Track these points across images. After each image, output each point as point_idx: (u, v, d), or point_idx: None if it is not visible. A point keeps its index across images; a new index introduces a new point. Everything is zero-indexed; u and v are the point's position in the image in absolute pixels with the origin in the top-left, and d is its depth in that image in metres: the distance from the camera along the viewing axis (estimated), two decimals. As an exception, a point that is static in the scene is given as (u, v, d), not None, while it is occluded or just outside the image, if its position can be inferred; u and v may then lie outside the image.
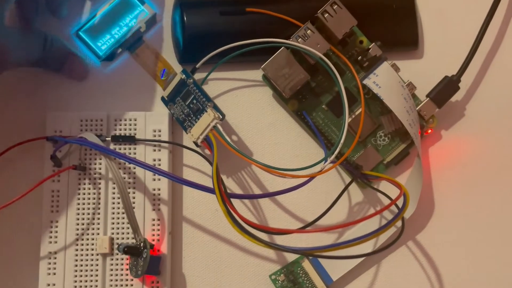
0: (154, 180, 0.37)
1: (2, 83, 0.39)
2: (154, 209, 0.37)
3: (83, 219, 0.37)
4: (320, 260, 0.37)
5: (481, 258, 0.38)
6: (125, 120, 0.38)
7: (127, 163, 0.37)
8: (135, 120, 0.38)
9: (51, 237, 0.36)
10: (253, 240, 0.32)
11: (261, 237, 0.32)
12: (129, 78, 0.39)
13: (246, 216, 0.33)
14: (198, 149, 0.38)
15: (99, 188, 0.37)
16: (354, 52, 0.39)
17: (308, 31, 0.37)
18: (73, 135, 0.37)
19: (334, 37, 0.37)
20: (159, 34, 0.40)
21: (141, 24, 0.38)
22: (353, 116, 0.38)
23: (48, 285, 0.36)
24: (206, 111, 0.36)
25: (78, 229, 0.37)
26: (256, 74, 0.40)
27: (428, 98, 0.38)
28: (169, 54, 0.40)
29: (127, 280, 0.36)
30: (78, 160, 0.37)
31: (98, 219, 0.37)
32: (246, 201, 0.39)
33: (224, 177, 0.39)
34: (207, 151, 0.38)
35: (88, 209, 0.37)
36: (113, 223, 0.37)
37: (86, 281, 0.36)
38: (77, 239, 0.36)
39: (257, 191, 0.39)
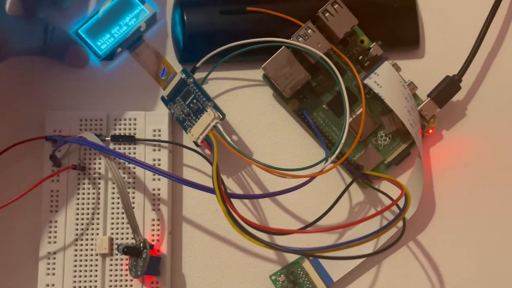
0: (154, 180, 0.37)
1: (2, 83, 0.39)
2: (154, 209, 0.37)
3: (83, 219, 0.37)
4: (321, 260, 0.37)
5: (482, 258, 0.38)
6: (125, 119, 0.38)
7: (126, 163, 0.37)
8: (135, 119, 0.38)
9: (50, 237, 0.36)
10: (253, 241, 0.32)
11: (262, 238, 0.32)
12: (129, 77, 0.39)
13: (246, 216, 0.33)
14: (198, 149, 0.38)
15: (99, 188, 0.37)
16: (355, 52, 0.39)
17: (309, 31, 0.37)
18: (73, 135, 0.37)
19: (335, 36, 0.37)
20: (159, 34, 0.40)
21: (141, 23, 0.38)
22: (354, 116, 0.38)
23: (47, 285, 0.36)
24: (206, 111, 0.36)
25: (77, 229, 0.36)
26: (257, 74, 0.40)
27: (429, 98, 0.38)
28: (169, 53, 0.40)
29: (126, 280, 0.36)
30: (78, 160, 0.37)
31: (98, 219, 0.37)
32: (247, 201, 0.38)
33: (224, 177, 0.39)
34: (207, 151, 0.38)
35: (88, 209, 0.37)
36: (112, 223, 0.36)
37: (85, 281, 0.36)
38: (76, 239, 0.36)
39: (257, 191, 0.39)
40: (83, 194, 0.37)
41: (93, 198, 0.37)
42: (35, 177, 0.36)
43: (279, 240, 0.38)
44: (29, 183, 0.35)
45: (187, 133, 0.37)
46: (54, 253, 0.36)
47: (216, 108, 0.37)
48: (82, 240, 0.36)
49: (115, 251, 0.36)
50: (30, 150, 0.37)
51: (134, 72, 0.39)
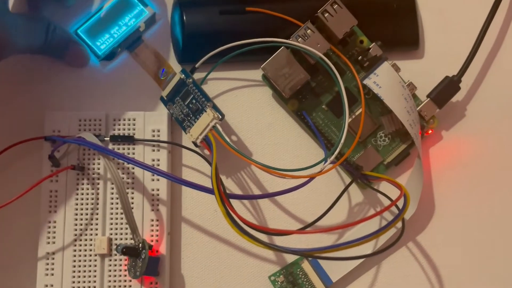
0: (153, 180, 0.37)
1: (1, 83, 0.39)
2: (153, 210, 0.37)
3: (81, 219, 0.36)
4: (320, 261, 0.37)
5: (481, 258, 0.38)
6: (124, 120, 0.38)
7: (125, 163, 0.37)
8: (134, 120, 0.38)
9: (49, 238, 0.36)
10: (252, 241, 0.32)
11: (261, 238, 0.32)
12: (128, 77, 0.39)
13: (245, 216, 0.33)
14: (197, 149, 0.38)
15: (98, 188, 0.37)
16: (355, 52, 0.39)
17: (308, 31, 0.37)
18: (72, 135, 0.37)
19: (334, 36, 0.37)
20: (158, 34, 0.40)
21: (140, 23, 0.38)
22: (353, 116, 0.38)
23: (46, 286, 0.36)
24: (206, 111, 0.36)
25: (76, 230, 0.36)
26: (256, 74, 0.40)
27: (428, 99, 0.38)
28: (168, 53, 0.39)
29: (125, 281, 0.36)
30: (77, 160, 0.37)
31: (97, 219, 0.36)
32: (246, 201, 0.38)
33: (223, 178, 0.39)
34: (207, 151, 0.38)
35: (87, 209, 0.37)
36: (111, 224, 0.36)
37: (84, 282, 0.36)
38: (75, 240, 0.36)
39: (256, 191, 0.39)
40: (82, 194, 0.37)
41: (92, 199, 0.37)
42: (34, 177, 0.36)
43: (278, 240, 0.37)
44: (28, 183, 0.35)
45: (186, 134, 0.37)
46: (53, 253, 0.36)
47: (215, 108, 0.37)
48: (81, 240, 0.36)
49: (114, 252, 0.36)
50: (29, 150, 0.37)
51: (133, 72, 0.39)
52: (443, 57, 0.40)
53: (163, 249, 0.36)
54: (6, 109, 0.39)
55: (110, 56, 0.39)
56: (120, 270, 0.36)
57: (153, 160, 0.37)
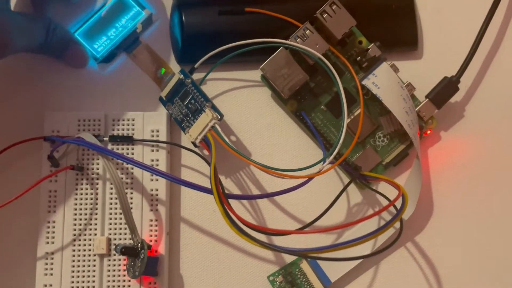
0: (152, 180, 0.37)
1: (0, 83, 0.39)
2: (151, 210, 0.37)
3: (81, 219, 0.37)
4: (319, 261, 0.37)
5: (480, 259, 0.38)
6: (123, 120, 0.38)
7: (125, 163, 0.37)
8: (133, 120, 0.38)
9: (48, 238, 0.36)
10: (251, 241, 0.32)
11: (259, 238, 0.32)
12: (127, 78, 0.39)
13: (244, 217, 0.33)
14: (196, 149, 0.38)
15: (97, 189, 0.37)
16: (353, 53, 0.39)
17: (307, 31, 0.37)
18: (71, 135, 0.37)
19: (333, 37, 0.37)
20: (156, 35, 0.40)
21: (137, 25, 0.38)
22: (352, 117, 0.38)
23: (45, 285, 0.36)
24: (204, 111, 0.36)
25: (75, 230, 0.36)
26: (255, 74, 0.40)
27: (427, 99, 0.38)
28: (167, 54, 0.40)
29: (124, 281, 0.36)
30: (76, 160, 0.37)
31: (96, 219, 0.36)
32: (244, 201, 0.38)
33: (222, 178, 0.39)
34: (205, 152, 0.38)
35: (86, 209, 0.37)
36: (110, 224, 0.36)
37: (83, 282, 0.36)
38: (74, 240, 0.36)
39: (255, 191, 0.39)
40: (81, 194, 0.37)
41: (91, 199, 0.37)
42: (33, 177, 0.36)
43: (277, 240, 0.37)
44: (27, 183, 0.35)
45: (185, 134, 0.37)
46: (52, 253, 0.36)
47: (214, 108, 0.37)
48: (80, 240, 0.36)
49: (113, 252, 0.36)
50: (28, 150, 0.37)
51: (132, 73, 0.39)
52: (442, 57, 0.40)
53: (162, 249, 0.36)
54: (6, 109, 0.39)
55: (109, 58, 0.39)
56: (119, 270, 0.36)
57: (152, 160, 0.37)
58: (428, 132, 0.39)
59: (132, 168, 0.37)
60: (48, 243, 0.36)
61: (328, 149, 0.38)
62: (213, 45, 0.37)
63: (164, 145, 0.38)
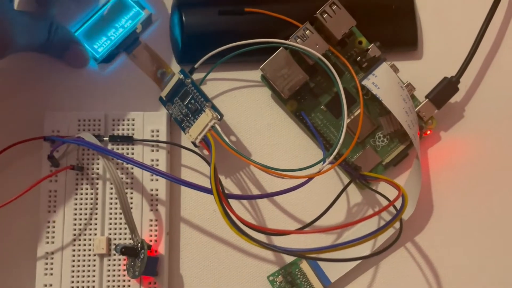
0: (152, 180, 0.37)
1: (0, 83, 0.39)
2: (151, 210, 0.37)
3: (81, 219, 0.37)
4: (318, 261, 0.37)
5: (480, 259, 0.38)
6: (123, 120, 0.38)
7: (125, 163, 0.37)
8: (133, 120, 0.38)
9: (48, 237, 0.36)
10: (250, 241, 0.32)
11: (259, 238, 0.32)
12: (127, 79, 0.39)
13: (244, 217, 0.33)
14: (196, 149, 0.38)
15: (97, 189, 0.37)
16: (353, 53, 0.39)
17: (307, 32, 0.37)
18: (71, 135, 0.37)
19: (333, 37, 0.37)
20: (156, 35, 0.40)
21: (137, 25, 0.38)
22: (352, 117, 0.38)
23: (45, 285, 0.36)
24: (204, 111, 0.36)
25: (75, 230, 0.36)
26: (255, 75, 0.40)
27: (427, 99, 0.38)
28: (167, 54, 0.39)
29: (124, 281, 0.36)
30: (76, 160, 0.37)
31: (96, 219, 0.37)
32: (244, 201, 0.38)
33: (222, 178, 0.39)
34: (205, 152, 0.38)
35: (86, 209, 0.37)
36: (110, 224, 0.37)
37: (83, 281, 0.36)
38: (74, 240, 0.36)
39: (255, 191, 0.39)
40: (81, 194, 0.37)
41: (91, 199, 0.37)
42: (33, 177, 0.36)
43: (277, 240, 0.37)
44: (27, 183, 0.35)
45: (185, 134, 0.37)
46: (52, 253, 0.36)
47: (214, 108, 0.37)
48: (80, 240, 0.36)
49: (113, 252, 0.36)
50: (29, 150, 0.37)
51: (132, 73, 0.39)
52: (441, 58, 0.40)
53: (162, 249, 0.36)
54: (6, 109, 0.39)
55: (109, 58, 0.39)
56: (119, 270, 0.36)
57: (152, 160, 0.37)
58: (428, 132, 0.39)
59: (132, 168, 0.37)
60: (48, 243, 0.36)
61: (328, 149, 0.38)
62: (213, 45, 0.37)
63: (164, 145, 0.38)
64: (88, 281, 0.36)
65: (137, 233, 0.35)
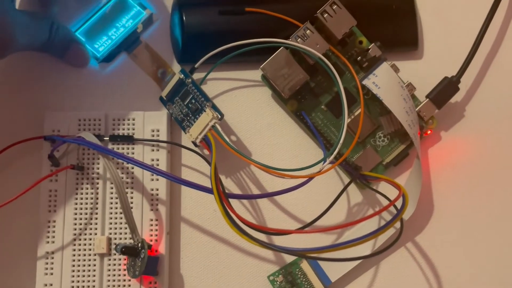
0: (152, 180, 0.37)
1: (1, 83, 0.39)
2: (152, 209, 0.37)
3: (81, 219, 0.37)
4: (319, 261, 0.37)
5: (481, 259, 0.38)
6: (124, 119, 0.38)
7: (125, 163, 0.37)
8: (134, 119, 0.38)
9: (48, 237, 0.36)
10: (251, 241, 0.32)
11: (260, 238, 0.32)
12: (128, 78, 0.39)
13: (244, 216, 0.33)
14: (196, 149, 0.38)
15: (97, 188, 0.37)
16: (354, 53, 0.39)
17: (308, 31, 0.37)
18: (71, 135, 0.37)
19: (333, 37, 0.37)
20: (157, 34, 0.40)
21: (137, 24, 0.38)
22: (352, 117, 0.38)
23: (46, 285, 0.36)
24: (205, 111, 0.36)
25: (75, 229, 0.36)
26: (255, 74, 0.40)
27: (427, 99, 0.38)
28: (167, 53, 0.39)
29: (124, 280, 0.36)
30: (76, 160, 0.37)
31: (96, 219, 0.37)
32: (245, 201, 0.38)
33: (222, 177, 0.39)
34: (206, 151, 0.38)
35: (86, 209, 0.37)
36: (111, 223, 0.36)
37: (83, 281, 0.36)
38: (74, 239, 0.36)
39: (255, 191, 0.39)
40: (82, 194, 0.37)
41: (92, 198, 0.37)
42: (33, 176, 0.36)
43: (277, 240, 0.38)
44: (28, 182, 0.35)
45: (185, 133, 0.37)
46: (52, 252, 0.36)
47: (214, 108, 0.37)
48: (80, 240, 0.36)
49: (113, 251, 0.36)
50: (29, 149, 0.37)
51: (133, 72, 0.39)
52: (442, 57, 0.40)
53: (162, 248, 0.36)
54: (6, 109, 0.39)
55: (109, 57, 0.39)
56: (120, 270, 0.36)
57: (153, 160, 0.37)
58: (429, 132, 0.39)
59: (133, 168, 0.37)
60: (48, 242, 0.36)
61: (329, 149, 0.38)
62: (213, 45, 0.37)
63: (165, 144, 0.38)
64: (89, 281, 0.36)
65: (137, 232, 0.35)
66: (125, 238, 0.36)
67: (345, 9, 0.37)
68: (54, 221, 0.36)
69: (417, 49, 0.40)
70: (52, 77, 0.39)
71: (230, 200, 0.33)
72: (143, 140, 0.37)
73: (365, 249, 0.37)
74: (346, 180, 0.39)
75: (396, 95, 0.37)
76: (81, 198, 0.37)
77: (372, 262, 0.38)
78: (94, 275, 0.36)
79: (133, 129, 0.38)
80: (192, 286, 0.38)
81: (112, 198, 0.37)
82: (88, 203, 0.37)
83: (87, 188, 0.37)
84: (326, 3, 0.37)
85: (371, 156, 0.38)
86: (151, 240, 0.36)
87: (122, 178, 0.37)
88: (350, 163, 0.38)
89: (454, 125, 0.40)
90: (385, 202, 0.38)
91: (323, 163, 0.35)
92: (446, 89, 0.38)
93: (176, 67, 0.39)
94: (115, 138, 0.37)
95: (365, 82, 0.37)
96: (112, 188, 0.37)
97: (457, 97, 0.39)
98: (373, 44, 0.37)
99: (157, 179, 0.37)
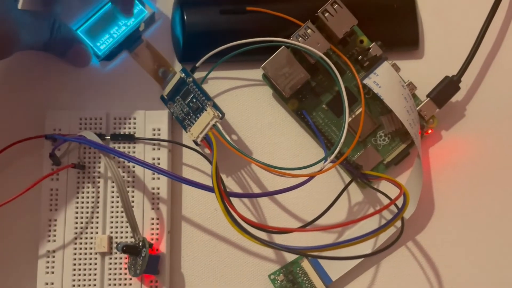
0: (154, 179, 0.37)
1: (2, 82, 0.39)
2: (153, 208, 0.37)
3: (82, 217, 0.37)
4: (320, 260, 0.37)
5: (481, 258, 0.38)
6: (125, 118, 0.38)
7: (126, 161, 0.37)
8: (135, 118, 0.38)
9: (49, 236, 0.36)
10: (252, 239, 0.32)
11: (261, 236, 0.32)
12: (129, 77, 0.39)
13: (245, 215, 0.33)
14: (197, 148, 0.38)
15: (98, 187, 0.37)
16: (355, 52, 0.39)
17: (309, 30, 0.37)
18: (73, 134, 0.37)
19: (334, 36, 0.37)
20: (158, 33, 0.40)
21: (140, 23, 0.38)
22: (353, 116, 0.38)
23: (47, 284, 0.36)
24: (206, 110, 0.36)
25: (76, 228, 0.36)
26: (256, 73, 0.40)
27: (428, 98, 0.38)
28: (168, 52, 0.40)
29: (125, 279, 0.36)
30: (77, 159, 0.37)
31: (97, 218, 0.37)
32: (246, 200, 0.38)
33: (223, 176, 0.39)
34: (207, 150, 0.38)
35: (87, 207, 0.37)
36: (112, 222, 0.37)
37: (84, 280, 0.36)
38: (75, 238, 0.36)
39: (256, 190, 0.39)
40: (83, 192, 0.37)
41: (93, 197, 0.37)
42: (34, 175, 0.36)
43: (278, 239, 0.38)
44: (29, 181, 0.35)
45: (186, 132, 0.37)
46: (54, 251, 0.36)
47: (215, 107, 0.37)
48: (81, 238, 0.36)
49: (114, 250, 0.36)
50: (30, 148, 0.37)
51: (134, 71, 0.39)
52: (443, 57, 0.40)
53: (163, 247, 0.36)
54: (7, 108, 0.39)
55: (110, 56, 0.39)
56: (121, 269, 0.36)
57: (154, 159, 0.37)
58: (429, 131, 0.39)
59: (134, 167, 0.37)
60: (49, 241, 0.36)
61: (329, 148, 0.38)
62: (214, 44, 0.37)
63: (166, 143, 0.38)
64: (90, 280, 0.36)
65: (138, 231, 0.35)
66: (126, 237, 0.36)
67: (346, 8, 0.37)
68: (55, 220, 0.36)
69: (418, 48, 0.40)
70: (53, 76, 0.39)
71: (231, 198, 0.33)
72: (144, 139, 0.37)
73: (366, 248, 0.37)
74: (347, 179, 0.39)
75: (397, 94, 0.37)
76: (82, 197, 0.37)
77: (372, 261, 0.38)
78: (95, 274, 0.36)
79: (134, 128, 0.38)
80: (193, 285, 0.38)
81: (113, 197, 0.37)
82: (89, 202, 0.37)
83: (88, 187, 0.37)
84: (327, 2, 0.37)
85: (372, 155, 0.38)
86: (152, 239, 0.36)
87: (123, 177, 0.37)
88: (351, 162, 0.38)
89: (455, 124, 0.40)
90: (385, 201, 0.38)
91: (324, 162, 0.35)
92: (446, 88, 0.38)
93: (177, 66, 0.39)
94: (116, 137, 0.37)
95: (366, 81, 0.37)
96: (113, 187, 0.37)
97: (457, 97, 0.39)
98: (374, 43, 0.37)
99: (158, 178, 0.37)
